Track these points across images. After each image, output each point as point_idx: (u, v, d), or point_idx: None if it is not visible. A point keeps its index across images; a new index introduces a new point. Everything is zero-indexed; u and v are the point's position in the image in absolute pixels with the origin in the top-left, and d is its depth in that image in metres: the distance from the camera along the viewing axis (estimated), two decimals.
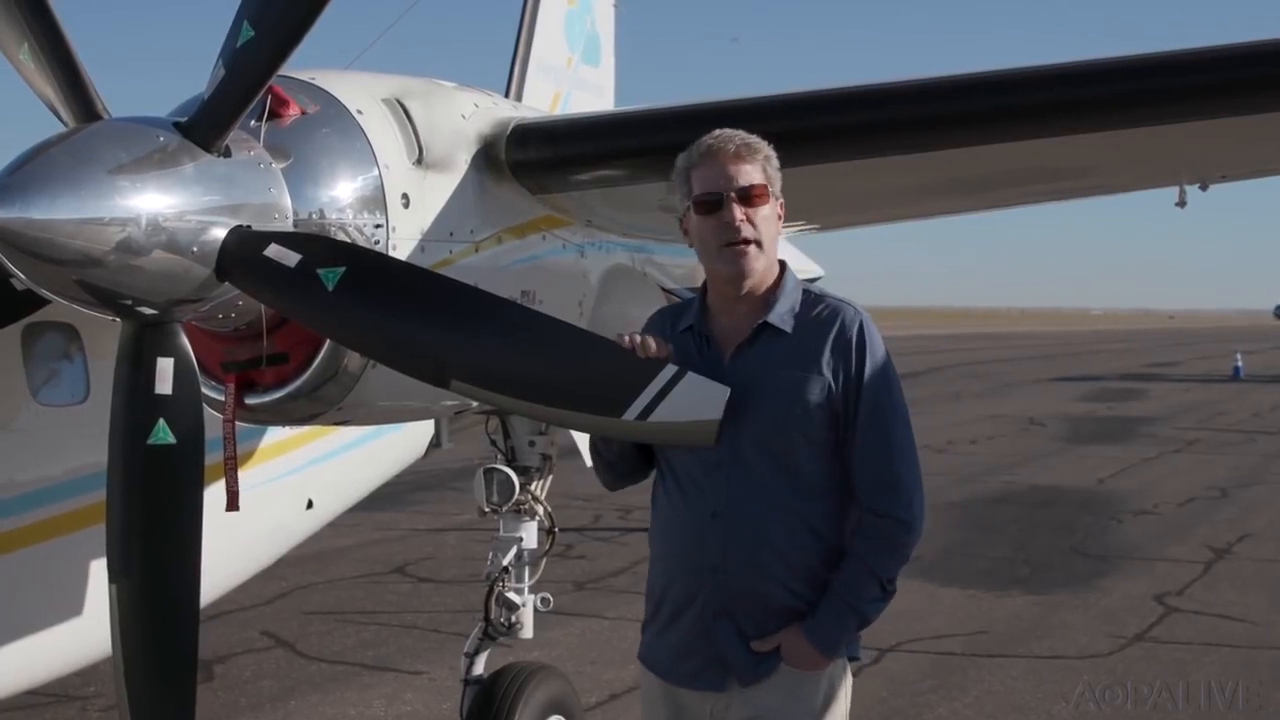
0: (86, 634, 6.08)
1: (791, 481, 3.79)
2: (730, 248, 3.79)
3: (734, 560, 3.79)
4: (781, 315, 3.83)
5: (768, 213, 3.82)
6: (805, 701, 3.84)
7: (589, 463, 4.34)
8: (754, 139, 3.87)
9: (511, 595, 6.40)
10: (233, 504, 4.42)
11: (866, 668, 9.29)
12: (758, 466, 3.78)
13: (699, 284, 7.29)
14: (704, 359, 3.85)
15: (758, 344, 3.84)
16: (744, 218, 3.77)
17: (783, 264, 3.95)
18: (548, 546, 6.58)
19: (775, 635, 3.80)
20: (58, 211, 3.67)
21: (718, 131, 3.88)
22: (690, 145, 3.90)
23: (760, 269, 3.83)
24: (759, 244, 3.80)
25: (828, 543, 3.83)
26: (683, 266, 7.19)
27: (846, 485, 3.84)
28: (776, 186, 3.87)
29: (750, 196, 3.78)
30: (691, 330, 3.94)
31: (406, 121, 4.71)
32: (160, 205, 3.85)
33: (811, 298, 3.89)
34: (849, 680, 3.96)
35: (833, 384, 3.77)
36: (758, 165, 3.82)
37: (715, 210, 3.79)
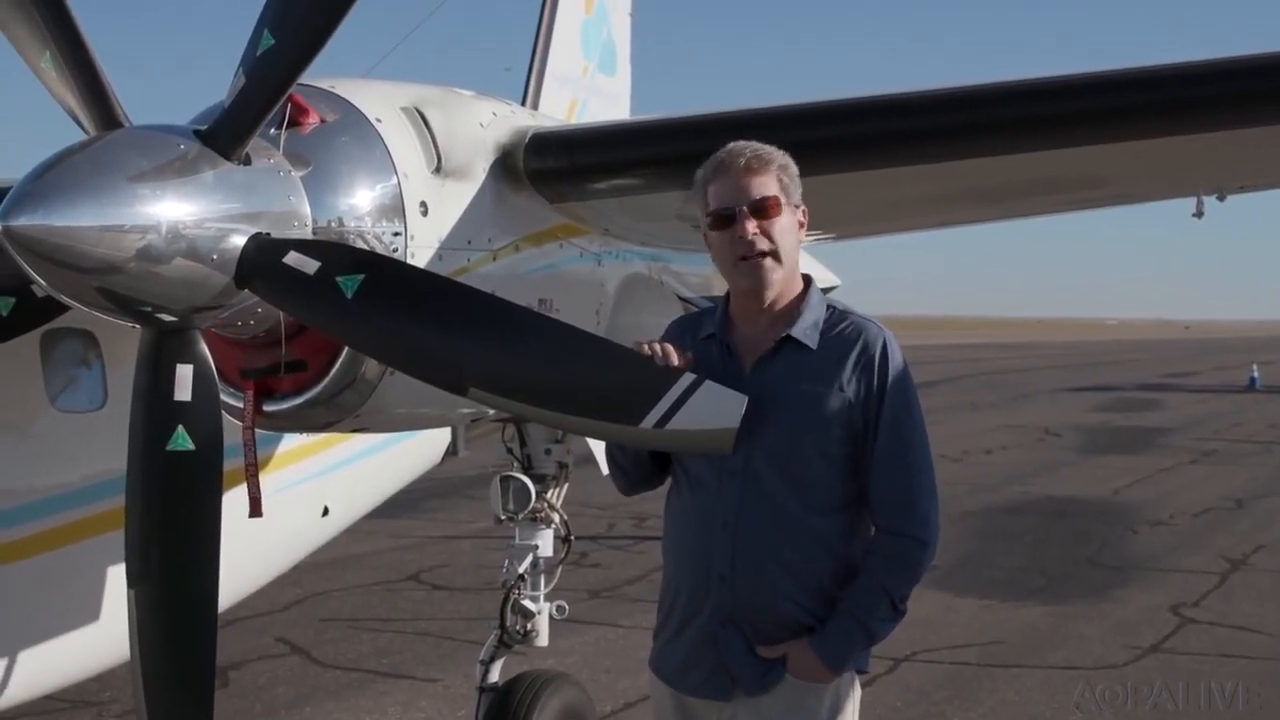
0: (104, 639, 6.10)
1: (804, 495, 3.78)
2: (746, 261, 3.79)
3: (741, 570, 3.79)
4: (805, 330, 3.82)
5: (784, 223, 3.80)
6: (810, 713, 3.82)
7: (605, 470, 4.35)
8: (766, 149, 3.84)
9: (527, 603, 6.41)
10: (255, 510, 4.43)
11: (881, 677, 9.29)
12: (770, 478, 3.77)
13: (715, 292, 7.30)
14: (725, 368, 3.85)
15: (780, 357, 3.82)
16: (757, 230, 3.76)
17: (808, 278, 3.94)
18: (563, 554, 6.59)
19: (782, 645, 3.79)
20: (79, 218, 3.68)
21: (731, 145, 3.87)
22: (707, 160, 3.90)
23: (779, 280, 3.82)
24: (775, 255, 3.79)
25: (838, 559, 3.81)
26: (699, 275, 7.20)
27: (861, 503, 3.83)
28: (794, 195, 3.85)
29: (764, 209, 3.77)
30: (713, 338, 3.93)
31: (425, 130, 4.73)
32: (180, 213, 3.86)
33: (836, 314, 3.88)
34: (857, 693, 3.95)
35: (853, 401, 3.76)
36: (771, 176, 3.80)
37: (730, 224, 3.79)
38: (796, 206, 3.86)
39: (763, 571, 3.78)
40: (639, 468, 4.12)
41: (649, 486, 4.21)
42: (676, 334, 4.06)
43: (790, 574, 3.78)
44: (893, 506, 3.79)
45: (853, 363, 3.78)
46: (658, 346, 3.84)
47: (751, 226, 3.76)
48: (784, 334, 3.83)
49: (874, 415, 3.77)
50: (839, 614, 3.77)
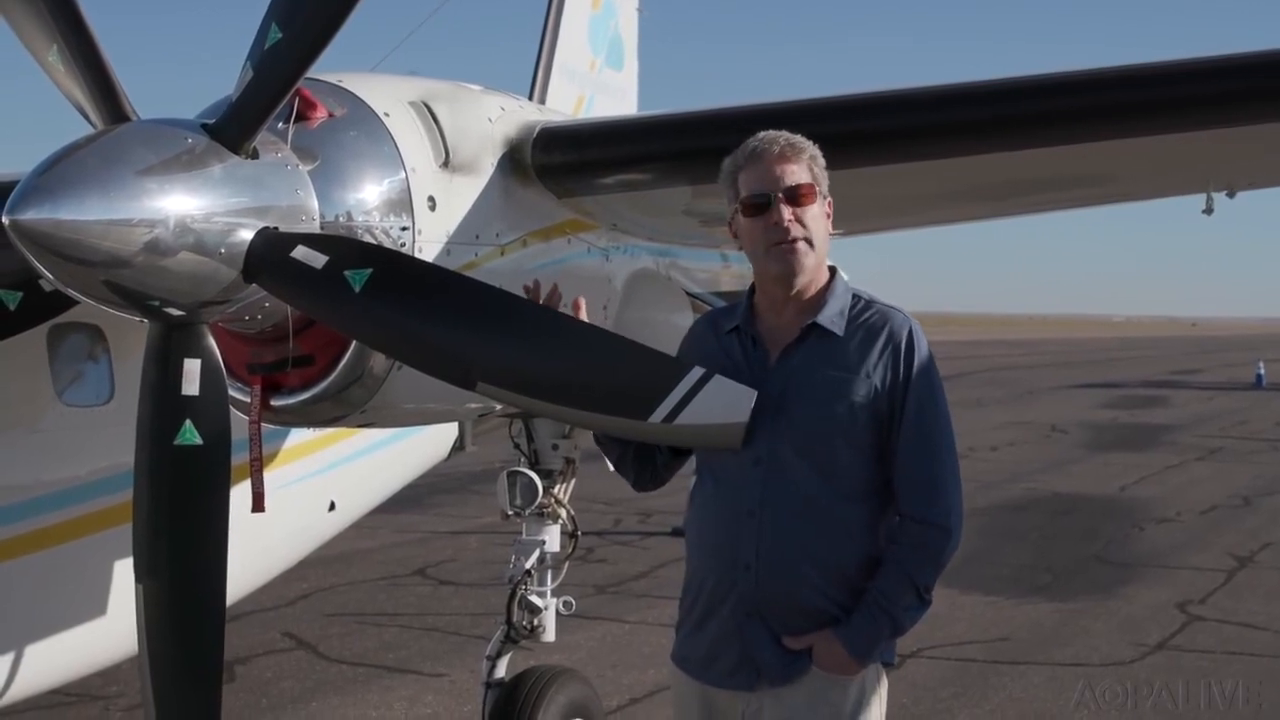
0: (112, 634, 6.12)
1: (829, 484, 3.77)
2: (779, 246, 3.79)
3: (766, 559, 3.77)
4: (831, 317, 3.82)
5: (816, 211, 3.81)
6: (836, 705, 3.81)
7: (611, 467, 4.35)
8: (798, 139, 3.86)
9: (534, 598, 6.40)
10: (258, 505, 4.43)
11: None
12: (795, 466, 3.76)
13: (723, 288, 7.29)
14: (749, 360, 3.86)
15: (805, 344, 3.83)
16: (792, 217, 3.77)
17: (833, 269, 3.95)
18: (570, 550, 6.59)
19: (808, 636, 3.78)
20: (86, 213, 3.68)
21: (762, 134, 3.87)
22: (735, 149, 3.90)
23: (810, 266, 3.82)
24: (809, 241, 3.79)
25: (863, 548, 3.80)
26: (707, 270, 7.19)
27: (886, 492, 3.82)
28: (824, 186, 3.85)
29: (797, 196, 3.78)
30: (738, 331, 3.93)
31: (433, 124, 4.72)
32: (188, 207, 3.85)
33: (861, 302, 3.88)
34: (884, 685, 3.93)
35: (878, 388, 3.76)
36: (803, 165, 3.81)
37: (763, 211, 3.79)
38: (824, 197, 3.86)
39: (788, 560, 3.76)
40: (638, 466, 4.17)
41: (655, 485, 4.23)
42: (701, 329, 4.10)
43: (815, 563, 3.76)
44: (917, 494, 3.78)
45: (879, 349, 3.79)
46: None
47: (786, 213, 3.76)
48: (810, 321, 3.83)
49: (899, 402, 3.77)
50: (865, 604, 3.76)
